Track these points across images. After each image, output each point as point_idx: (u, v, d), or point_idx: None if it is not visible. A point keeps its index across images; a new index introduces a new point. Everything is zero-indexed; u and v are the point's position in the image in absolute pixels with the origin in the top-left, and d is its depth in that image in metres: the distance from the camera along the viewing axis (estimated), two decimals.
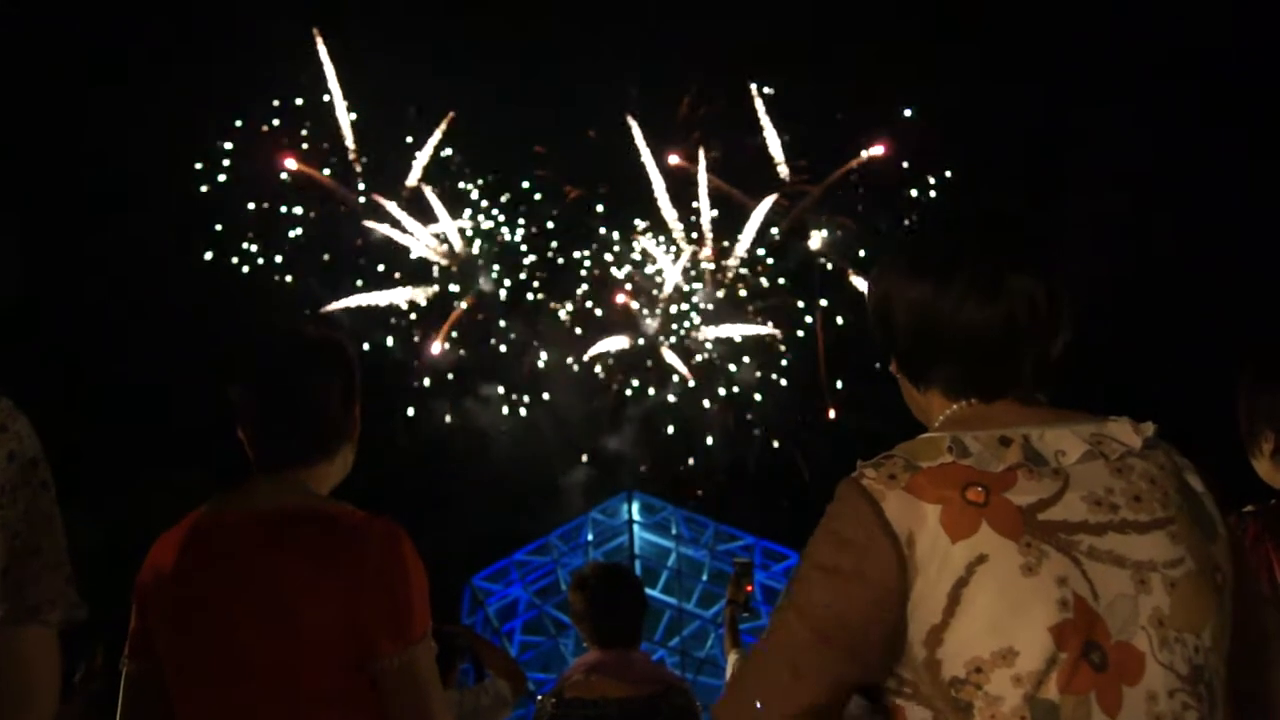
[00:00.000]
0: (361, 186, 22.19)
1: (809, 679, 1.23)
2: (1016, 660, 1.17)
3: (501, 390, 21.95)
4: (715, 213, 22.32)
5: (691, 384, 22.33)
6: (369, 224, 22.13)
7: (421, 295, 22.29)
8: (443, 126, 22.15)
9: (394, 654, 1.71)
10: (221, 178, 21.37)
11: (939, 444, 1.25)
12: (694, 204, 22.44)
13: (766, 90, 22.07)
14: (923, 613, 1.20)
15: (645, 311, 22.55)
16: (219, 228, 21.21)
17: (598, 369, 22.50)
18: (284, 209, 21.74)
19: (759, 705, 1.24)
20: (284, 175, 21.38)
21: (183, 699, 1.77)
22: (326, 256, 22.03)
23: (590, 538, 17.31)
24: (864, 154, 21.97)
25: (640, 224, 22.49)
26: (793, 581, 1.29)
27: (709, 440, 22.35)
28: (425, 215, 22.31)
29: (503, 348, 21.89)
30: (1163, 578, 1.21)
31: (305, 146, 21.69)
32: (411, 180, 22.19)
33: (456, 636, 3.61)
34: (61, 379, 16.00)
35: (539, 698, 3.24)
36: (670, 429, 22.45)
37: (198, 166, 21.01)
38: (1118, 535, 1.21)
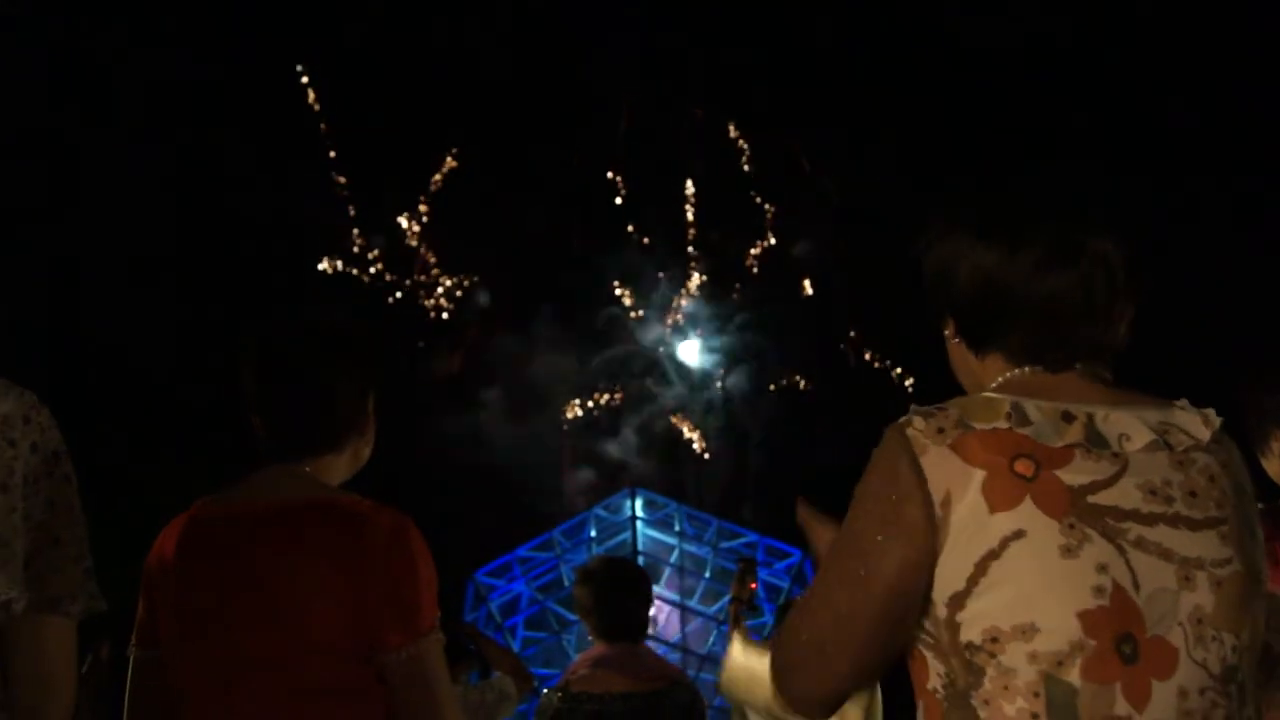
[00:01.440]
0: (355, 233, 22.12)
1: (844, 650, 1.22)
2: (1035, 637, 1.14)
3: (501, 395, 22.02)
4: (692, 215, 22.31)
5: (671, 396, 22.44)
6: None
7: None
8: (444, 170, 22.05)
9: (401, 647, 1.70)
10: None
11: (999, 407, 1.21)
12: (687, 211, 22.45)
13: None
14: (948, 575, 1.18)
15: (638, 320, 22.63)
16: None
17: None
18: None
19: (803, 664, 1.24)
20: None
21: (185, 689, 1.76)
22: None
23: (593, 534, 17.31)
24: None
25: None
26: (840, 533, 1.27)
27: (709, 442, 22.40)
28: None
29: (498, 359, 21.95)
30: (1209, 576, 1.17)
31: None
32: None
33: (462, 635, 3.61)
34: (71, 370, 16.02)
35: (543, 692, 3.24)
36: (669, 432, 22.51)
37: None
38: (1169, 529, 1.17)
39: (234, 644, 1.71)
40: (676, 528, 17.33)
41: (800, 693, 1.26)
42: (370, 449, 1.97)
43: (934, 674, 1.22)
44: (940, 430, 1.20)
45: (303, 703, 1.69)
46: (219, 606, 1.73)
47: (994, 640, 1.16)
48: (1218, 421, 1.26)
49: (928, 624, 1.22)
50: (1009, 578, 1.15)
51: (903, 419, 1.23)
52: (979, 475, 1.17)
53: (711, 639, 15.76)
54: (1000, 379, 1.30)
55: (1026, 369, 1.29)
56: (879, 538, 1.21)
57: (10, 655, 1.64)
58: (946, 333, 1.38)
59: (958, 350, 1.37)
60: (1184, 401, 1.29)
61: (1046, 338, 1.27)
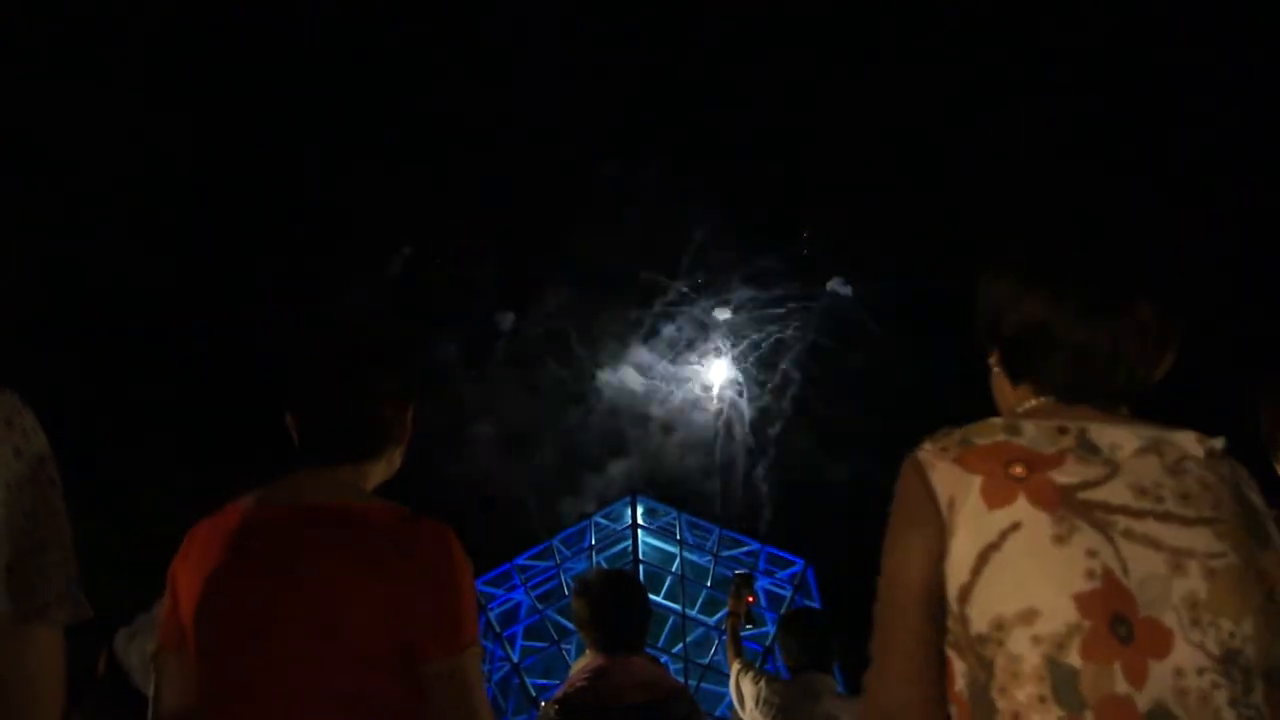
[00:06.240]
0: None
1: (897, 641, 1.34)
2: (1037, 620, 1.25)
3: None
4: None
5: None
6: None
7: None
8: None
9: (441, 659, 1.65)
10: None
11: (996, 426, 1.37)
12: None
13: None
14: (955, 570, 1.30)
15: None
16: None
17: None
18: None
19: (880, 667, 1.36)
20: None
21: (212, 696, 1.69)
22: None
23: (593, 542, 17.27)
24: None
25: None
26: (882, 560, 1.41)
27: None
28: None
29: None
30: (1201, 565, 1.26)
31: None
32: None
33: None
34: (73, 379, 16.01)
35: (542, 704, 3.22)
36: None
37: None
38: (1158, 523, 1.27)
39: (268, 649, 1.64)
40: (678, 536, 17.26)
41: (877, 705, 1.37)
42: (402, 457, 1.94)
43: (959, 675, 1.31)
44: (944, 449, 1.37)
45: (337, 712, 1.62)
46: (254, 609, 1.67)
47: (999, 628, 1.26)
48: (1219, 444, 1.35)
49: (949, 622, 1.33)
50: (1008, 566, 1.27)
51: (916, 446, 1.40)
52: (978, 480, 1.32)
53: (713, 649, 15.69)
54: (1021, 409, 1.44)
55: (1046, 399, 1.42)
56: (904, 537, 1.36)
57: None
58: (990, 361, 1.52)
59: (998, 378, 1.51)
60: (1191, 432, 1.36)
61: (1074, 377, 1.40)
